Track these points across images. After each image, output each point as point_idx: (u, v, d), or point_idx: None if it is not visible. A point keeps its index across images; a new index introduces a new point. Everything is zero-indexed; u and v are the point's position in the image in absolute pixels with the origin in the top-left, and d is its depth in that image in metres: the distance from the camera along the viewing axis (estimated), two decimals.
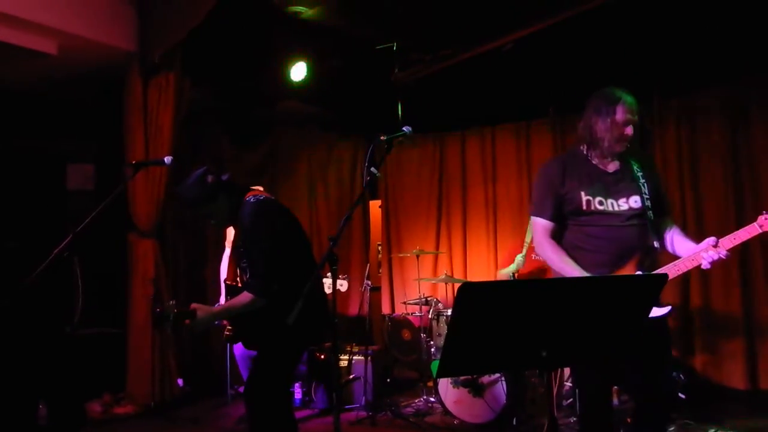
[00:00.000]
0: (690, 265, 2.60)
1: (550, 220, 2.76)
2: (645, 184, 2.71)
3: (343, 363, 5.13)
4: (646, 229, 2.67)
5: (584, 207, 2.69)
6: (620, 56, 4.95)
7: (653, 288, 1.81)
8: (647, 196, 2.69)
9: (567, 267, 2.65)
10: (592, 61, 5.06)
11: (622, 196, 2.70)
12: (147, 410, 5.01)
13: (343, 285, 4.77)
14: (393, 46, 5.31)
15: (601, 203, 2.69)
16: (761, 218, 2.52)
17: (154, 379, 5.04)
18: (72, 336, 4.35)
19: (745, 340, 5.08)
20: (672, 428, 4.08)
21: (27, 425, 4.14)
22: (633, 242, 2.64)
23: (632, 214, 2.68)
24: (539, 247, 2.81)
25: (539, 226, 2.78)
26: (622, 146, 2.69)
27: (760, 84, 5.09)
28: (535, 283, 2.05)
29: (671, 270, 2.61)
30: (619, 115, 2.65)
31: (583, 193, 2.70)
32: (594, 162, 2.77)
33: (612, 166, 2.76)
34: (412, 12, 4.85)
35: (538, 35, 4.77)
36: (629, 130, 2.66)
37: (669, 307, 2.61)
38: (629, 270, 2.61)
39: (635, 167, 2.75)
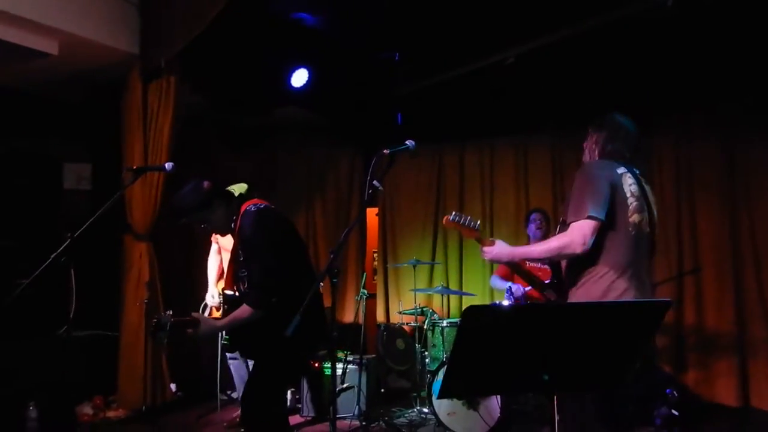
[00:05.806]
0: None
1: None
2: None
3: (337, 371, 5.12)
4: None
5: None
6: (619, 76, 5.00)
7: (656, 314, 1.81)
8: None
9: None
10: (592, 79, 5.10)
11: None
12: (138, 415, 4.96)
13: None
14: (395, 57, 5.32)
15: None
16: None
17: (146, 383, 5.00)
18: (65, 338, 4.32)
19: (738, 358, 5.12)
20: None
21: (17, 428, 4.11)
22: None
23: None
24: None
25: None
26: None
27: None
28: (540, 307, 2.05)
29: None
30: None
31: None
32: None
33: None
34: (415, 24, 4.86)
35: (539, 51, 4.80)
36: None
37: None
38: None
39: None
